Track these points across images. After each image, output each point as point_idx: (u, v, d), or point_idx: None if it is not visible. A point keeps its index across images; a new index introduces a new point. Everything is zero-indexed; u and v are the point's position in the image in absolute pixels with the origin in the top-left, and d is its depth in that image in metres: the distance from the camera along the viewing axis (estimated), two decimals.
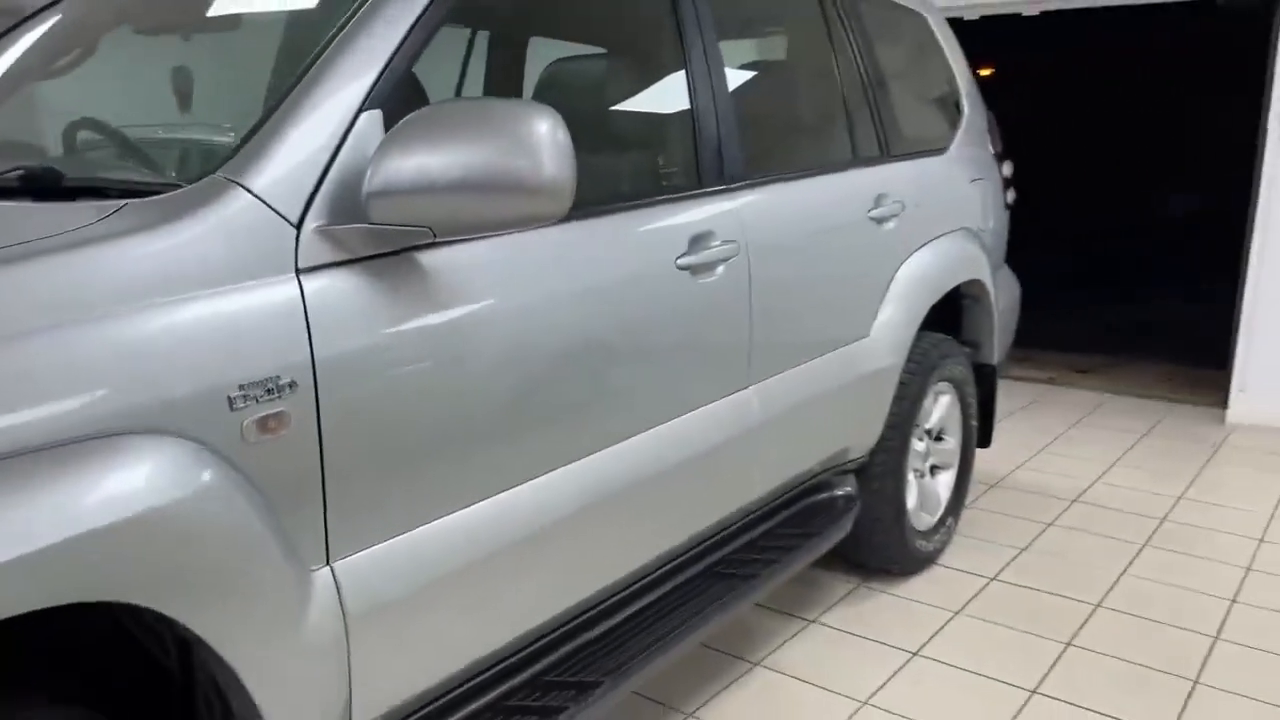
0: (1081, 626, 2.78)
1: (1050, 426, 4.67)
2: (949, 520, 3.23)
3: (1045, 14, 5.77)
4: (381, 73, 1.45)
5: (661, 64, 2.10)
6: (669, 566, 2.09)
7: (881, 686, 2.48)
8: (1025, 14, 5.81)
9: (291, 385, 1.27)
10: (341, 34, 1.46)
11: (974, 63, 3.55)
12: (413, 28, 1.52)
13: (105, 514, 1.07)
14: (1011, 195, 3.66)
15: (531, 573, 1.65)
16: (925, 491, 3.14)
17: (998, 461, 4.13)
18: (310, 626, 1.30)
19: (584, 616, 1.87)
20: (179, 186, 1.32)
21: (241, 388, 1.21)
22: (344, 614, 1.35)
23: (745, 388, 2.15)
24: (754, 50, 2.62)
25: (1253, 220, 4.64)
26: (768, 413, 2.22)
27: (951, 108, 3.35)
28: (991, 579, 3.09)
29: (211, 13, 2.14)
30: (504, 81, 2.43)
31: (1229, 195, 4.74)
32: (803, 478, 2.54)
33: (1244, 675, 2.53)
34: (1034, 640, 2.70)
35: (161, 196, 1.27)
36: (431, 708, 1.57)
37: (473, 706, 1.64)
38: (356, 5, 1.50)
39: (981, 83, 3.60)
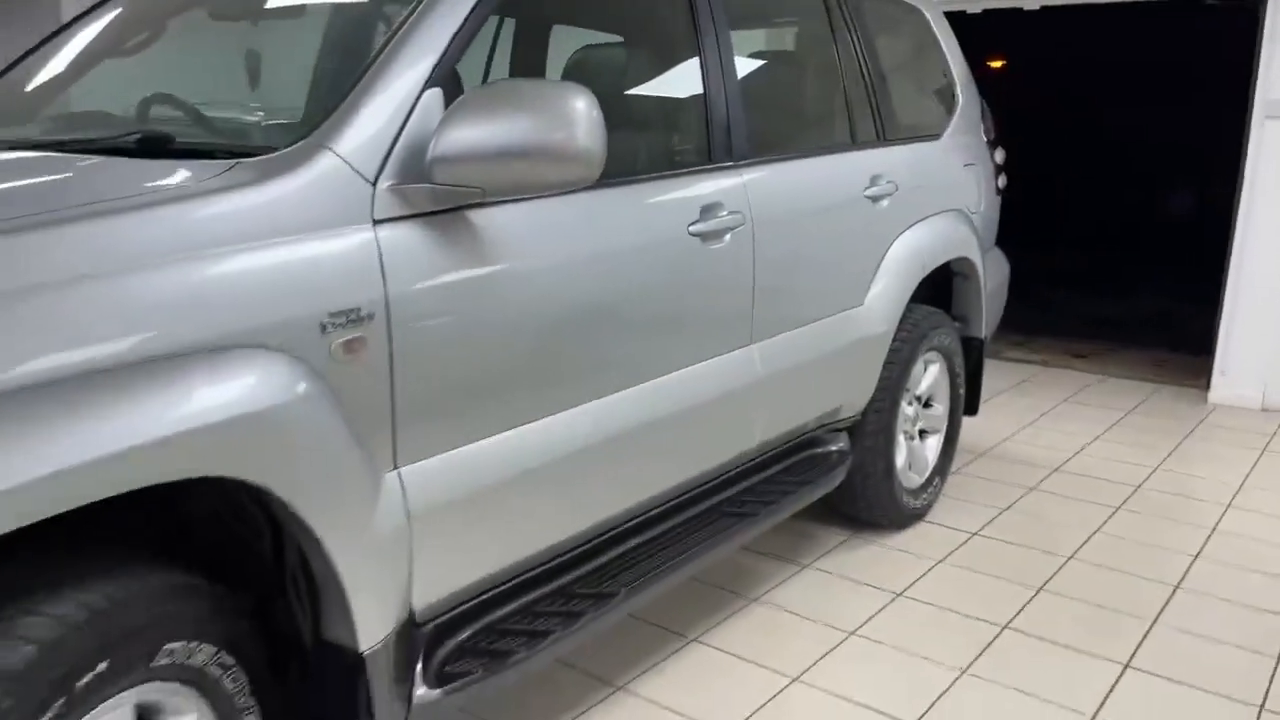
0: (1053, 575, 3.04)
1: (1039, 404, 4.92)
2: (936, 480, 3.49)
3: (1048, 10, 5.98)
4: (440, 58, 1.71)
5: (677, 51, 2.35)
6: (680, 499, 2.35)
7: (868, 620, 2.74)
8: (1026, 9, 6.02)
9: (369, 316, 1.52)
10: (406, 25, 1.71)
11: (984, 56, 3.78)
12: (465, 20, 1.77)
13: (228, 409, 1.32)
14: (1003, 180, 3.90)
15: (563, 491, 1.92)
16: (914, 453, 3.39)
17: (986, 433, 4.38)
18: (380, 518, 1.56)
19: (606, 536, 2.13)
20: (272, 150, 1.58)
21: (331, 315, 1.47)
22: (407, 511, 1.61)
23: (748, 345, 2.41)
24: (761, 39, 2.86)
25: (1236, 215, 4.89)
26: (768, 368, 2.47)
27: (947, 97, 3.59)
28: (974, 534, 3.34)
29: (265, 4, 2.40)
30: (530, 65, 2.68)
31: (1227, 194, 4.96)
32: (799, 431, 2.80)
33: (1199, 618, 2.78)
34: (1009, 585, 2.96)
35: (264, 157, 1.53)
36: (474, 603, 1.83)
37: (509, 607, 1.90)
38: (416, 2, 1.75)
39: (990, 75, 3.84)
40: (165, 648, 1.33)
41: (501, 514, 1.80)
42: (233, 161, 1.51)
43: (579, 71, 2.31)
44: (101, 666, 1.23)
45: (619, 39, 2.58)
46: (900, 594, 2.90)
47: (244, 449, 1.34)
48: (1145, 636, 2.68)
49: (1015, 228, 4.15)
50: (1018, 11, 6.11)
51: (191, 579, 1.40)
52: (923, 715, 2.30)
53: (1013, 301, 4.08)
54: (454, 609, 1.80)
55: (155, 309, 1.28)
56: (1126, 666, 2.53)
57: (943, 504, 3.57)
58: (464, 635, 1.81)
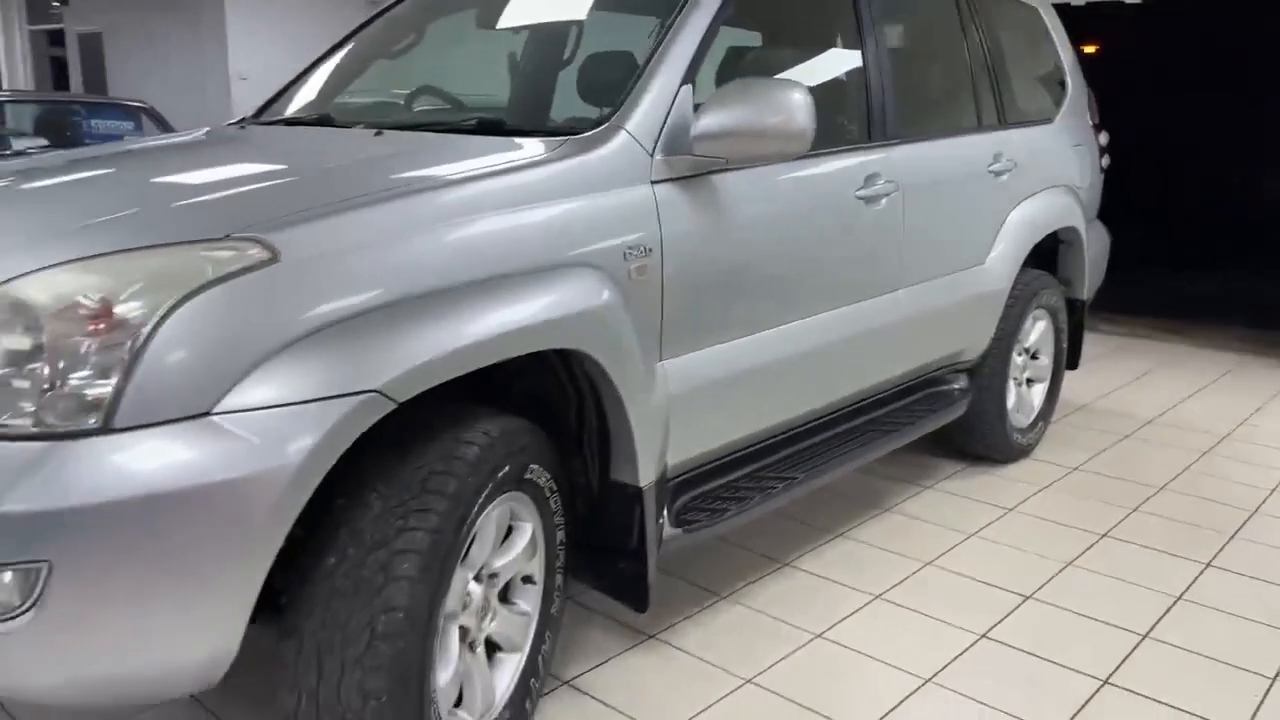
0: (1145, 500, 3.53)
1: (1132, 369, 5.35)
2: (1040, 423, 3.99)
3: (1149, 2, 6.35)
4: (690, 63, 2.30)
5: (846, 51, 2.91)
6: (845, 412, 2.94)
7: (985, 525, 3.28)
8: (1128, 1, 6.40)
9: (650, 250, 2.13)
10: (665, 40, 2.30)
11: (1085, 42, 4.24)
12: (704, 34, 2.36)
13: (565, 306, 1.93)
14: (1106, 160, 4.36)
15: (770, 391, 2.52)
16: (1022, 397, 3.90)
17: (1084, 392, 4.84)
18: (654, 393, 2.17)
19: (796, 431, 2.73)
20: (574, 131, 2.19)
21: (629, 247, 2.08)
22: (668, 392, 2.22)
23: (897, 290, 2.97)
24: (906, 39, 3.37)
25: None
26: (910, 310, 3.03)
27: (1057, 86, 4.08)
28: (1074, 468, 3.85)
29: (515, 20, 3.03)
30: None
31: None
32: (930, 367, 3.34)
33: (1270, 534, 3.26)
34: (1106, 507, 3.46)
35: (582, 136, 2.14)
36: (707, 467, 2.45)
37: (726, 478, 2.52)
38: (667, 24, 2.34)
39: (1092, 60, 4.29)
40: (530, 467, 1.96)
41: (728, 403, 2.40)
42: (562, 139, 2.13)
43: (777, 69, 2.88)
44: (505, 469, 1.86)
45: (798, 41, 3.14)
46: (1011, 509, 3.43)
47: (582, 331, 1.96)
48: (1223, 546, 3.17)
49: (1114, 208, 4.58)
50: (1120, 3, 6.50)
51: (536, 429, 2.03)
52: (1037, 590, 2.84)
53: (1108, 279, 4.53)
54: (690, 471, 2.42)
55: (534, 237, 1.91)
56: (1207, 565, 3.03)
57: (1046, 445, 4.06)
58: (696, 492, 2.43)
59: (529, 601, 2.09)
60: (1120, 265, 4.45)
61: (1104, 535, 3.23)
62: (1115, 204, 4.49)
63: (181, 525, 1.44)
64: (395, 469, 1.71)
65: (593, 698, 2.28)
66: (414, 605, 1.64)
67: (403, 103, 3.07)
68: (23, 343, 1.47)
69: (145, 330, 1.45)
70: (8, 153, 7.08)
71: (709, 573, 2.88)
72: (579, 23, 2.91)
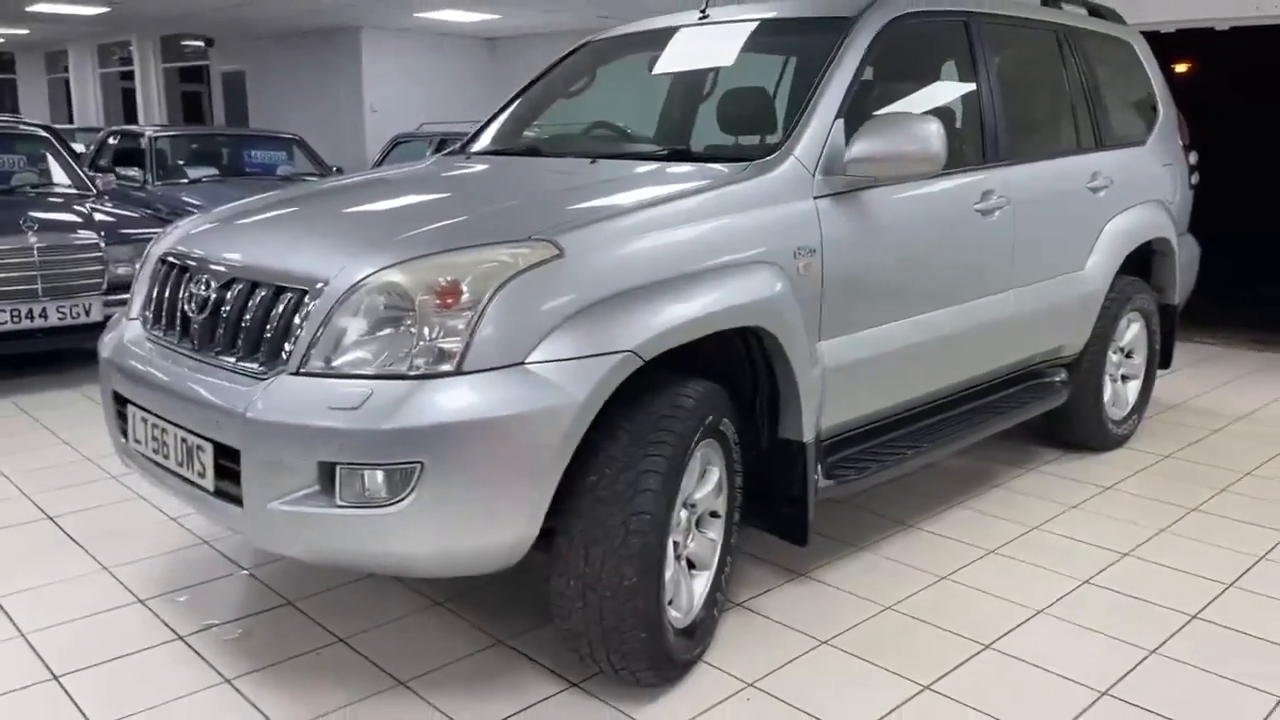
0: (1232, 483, 3.92)
1: (1221, 376, 5.68)
2: (1134, 416, 4.40)
3: (1238, 29, 6.66)
4: (842, 101, 2.84)
5: (964, 83, 3.43)
6: (964, 394, 3.43)
7: (1085, 500, 3.72)
8: (1218, 28, 6.73)
9: (813, 251, 2.67)
10: (822, 82, 2.85)
11: (1174, 62, 4.65)
12: (852, 78, 2.90)
13: (754, 293, 2.48)
14: (1195, 178, 4.76)
15: (908, 371, 3.05)
16: (1117, 392, 4.32)
17: (1175, 394, 5.21)
18: (815, 366, 2.70)
19: (922, 408, 3.23)
20: (751, 157, 2.75)
21: (798, 248, 2.63)
22: (824, 366, 2.75)
23: (1008, 290, 3.45)
24: (1014, 72, 3.85)
25: None
26: (1019, 308, 3.51)
27: (1150, 111, 4.51)
28: (1166, 456, 4.25)
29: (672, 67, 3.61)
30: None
31: None
32: (1034, 359, 3.81)
33: None
34: (1195, 487, 3.86)
35: (760, 161, 2.70)
36: (853, 432, 2.98)
37: (866, 444, 3.03)
38: (826, 65, 2.89)
39: (1185, 81, 4.69)
40: (723, 419, 2.51)
41: (870, 378, 2.93)
42: (746, 164, 2.70)
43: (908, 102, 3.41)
44: (709, 419, 2.41)
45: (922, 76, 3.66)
46: (1109, 487, 3.86)
47: (765, 313, 2.51)
48: None
49: (1209, 227, 4.93)
50: (1209, 30, 6.82)
51: (725, 392, 2.58)
52: (1133, 549, 3.27)
53: (1197, 294, 4.88)
54: (839, 435, 2.94)
55: (731, 239, 2.47)
56: None
57: (1140, 437, 4.46)
58: (844, 453, 2.95)
59: (715, 531, 2.63)
60: (1212, 281, 4.83)
61: (1193, 509, 3.64)
62: (1208, 222, 4.86)
63: (507, 439, 2.03)
64: (635, 413, 2.27)
65: (760, 615, 2.81)
66: (656, 510, 2.20)
67: (596, 134, 3.66)
68: (399, 313, 2.09)
69: (481, 305, 2.06)
70: (184, 181, 7.99)
71: (846, 529, 3.38)
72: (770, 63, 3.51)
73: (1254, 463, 4.16)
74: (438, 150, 8.57)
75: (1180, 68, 10.11)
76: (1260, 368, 5.90)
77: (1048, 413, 3.89)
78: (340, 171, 8.70)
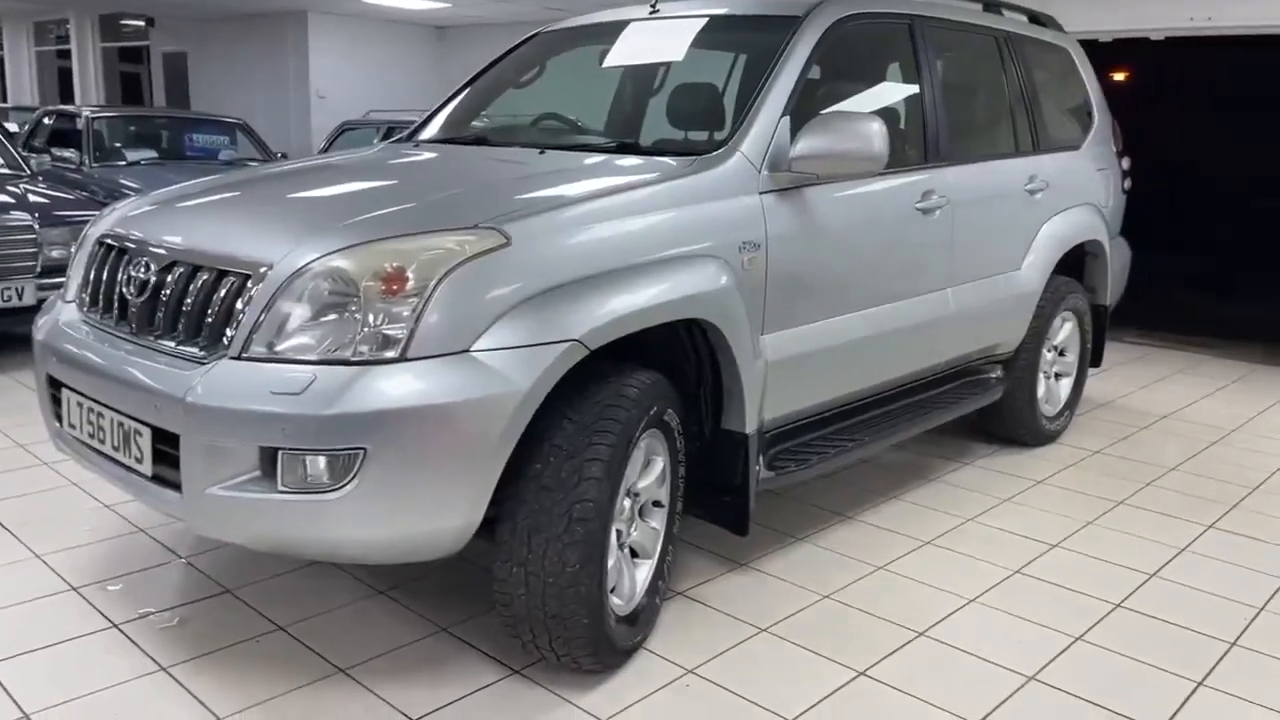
0: (1158, 477, 4.06)
1: (1151, 374, 5.87)
2: (1066, 413, 4.53)
3: (1171, 40, 6.87)
4: (787, 99, 2.89)
5: (906, 86, 3.50)
6: (899, 390, 3.50)
7: (1019, 493, 3.83)
8: (1152, 39, 6.94)
9: (758, 245, 2.71)
10: (768, 82, 2.89)
11: (1112, 71, 4.80)
12: (797, 79, 2.94)
13: (700, 285, 2.51)
14: (1128, 183, 4.91)
15: (845, 365, 3.10)
16: (1051, 389, 4.45)
17: (1107, 391, 5.37)
18: (758, 360, 2.75)
19: (861, 402, 3.30)
20: (697, 151, 2.78)
21: (744, 242, 2.66)
22: (766, 360, 2.80)
23: (946, 288, 3.54)
24: (957, 74, 3.94)
25: None
26: (957, 305, 3.59)
27: (1085, 116, 4.64)
28: (1096, 451, 4.38)
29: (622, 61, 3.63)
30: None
31: None
32: (971, 356, 3.90)
33: (1268, 507, 3.78)
34: (1123, 481, 4.00)
35: (707, 156, 2.73)
36: (793, 425, 3.03)
37: (806, 436, 3.09)
38: (774, 62, 2.94)
39: (1119, 89, 4.84)
40: (667, 410, 2.54)
41: (811, 372, 2.98)
42: (693, 158, 2.73)
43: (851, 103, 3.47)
44: (653, 409, 2.44)
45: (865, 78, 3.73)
46: (1040, 481, 3.98)
47: (710, 306, 2.54)
48: (1225, 514, 3.69)
49: (1140, 232, 5.09)
50: (1144, 40, 7.02)
51: (669, 383, 2.61)
52: (1063, 540, 3.38)
53: (1131, 300, 5.03)
54: (780, 427, 2.99)
55: (675, 233, 2.50)
56: (1209, 527, 3.56)
57: (1071, 433, 4.60)
58: (785, 445, 3.00)
59: (658, 521, 2.66)
60: (1141, 284, 4.99)
61: (1121, 502, 3.77)
62: (1138, 227, 5.02)
63: (452, 426, 2.04)
64: (580, 402, 2.29)
65: (701, 603, 2.85)
66: (599, 498, 2.22)
67: (545, 126, 3.65)
68: (343, 299, 2.08)
69: (426, 292, 2.06)
70: (122, 164, 7.80)
71: (786, 520, 3.44)
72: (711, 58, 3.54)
73: (1178, 458, 4.31)
74: (385, 138, 8.49)
75: (1118, 76, 10.40)
76: (1187, 365, 6.10)
77: (983, 408, 3.99)
78: (285, 157, 8.57)
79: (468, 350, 2.08)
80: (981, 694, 2.44)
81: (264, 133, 9.22)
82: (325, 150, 9.28)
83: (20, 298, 5.05)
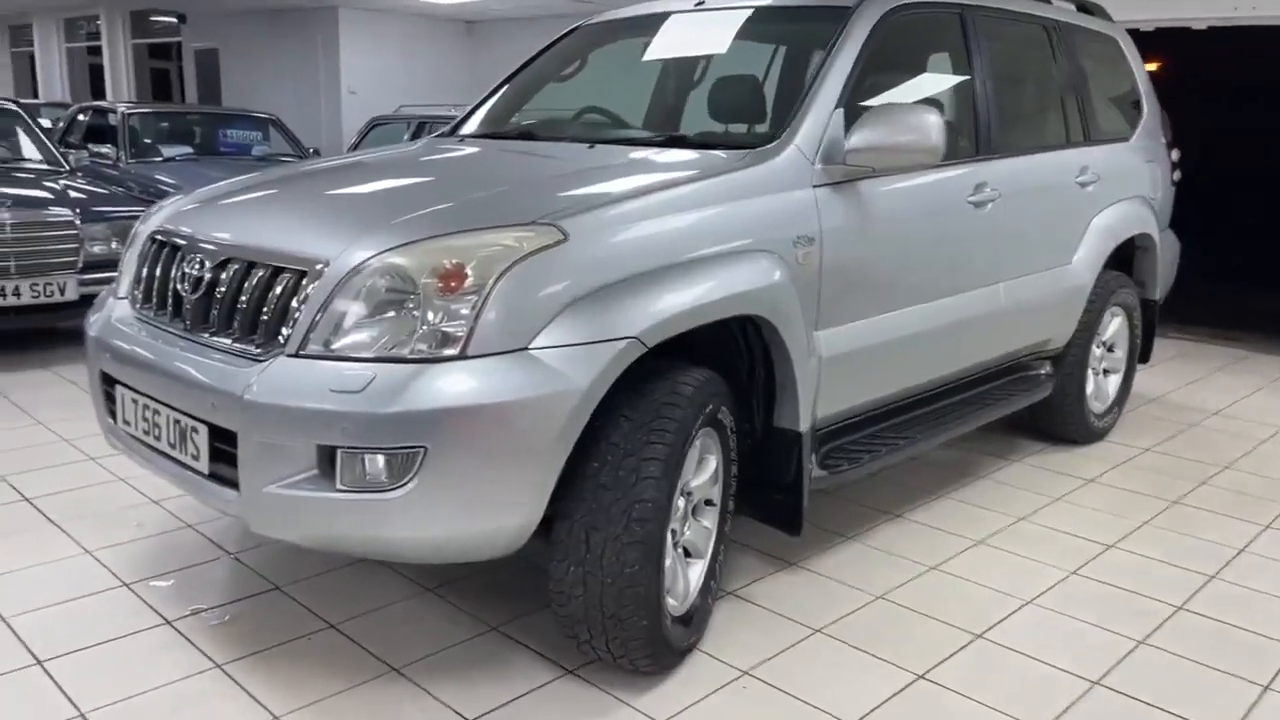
0: (1212, 476, 3.98)
1: (1197, 369, 5.76)
2: (1115, 409, 4.45)
3: (1214, 29, 6.73)
4: (841, 91, 2.83)
5: (957, 78, 3.43)
6: (952, 386, 3.44)
7: (1069, 492, 3.76)
8: (1194, 28, 6.80)
9: (813, 239, 2.66)
10: (821, 74, 2.84)
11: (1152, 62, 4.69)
12: (850, 71, 2.89)
13: (756, 281, 2.47)
14: (1177, 175, 4.81)
15: (900, 361, 3.05)
16: (1099, 385, 4.36)
17: (1153, 387, 5.27)
18: (812, 356, 2.70)
19: (912, 400, 3.24)
20: (749, 146, 2.74)
21: (798, 236, 2.62)
22: (820, 356, 2.75)
23: (998, 283, 3.47)
24: (1007, 64, 3.86)
25: None
26: (1008, 300, 3.53)
27: (1133, 107, 4.54)
28: (1145, 449, 4.30)
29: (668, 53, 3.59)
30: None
31: None
32: (1021, 352, 3.84)
33: None
34: (1175, 480, 3.92)
35: (760, 149, 2.68)
36: (846, 423, 2.98)
37: (856, 434, 3.04)
38: (827, 54, 2.88)
39: (1164, 80, 4.73)
40: (721, 408, 2.50)
41: (863, 369, 2.93)
42: (745, 151, 2.68)
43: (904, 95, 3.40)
44: (709, 407, 2.40)
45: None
46: (1092, 480, 3.90)
47: (764, 301, 2.50)
48: (1279, 517, 3.62)
49: (1185, 224, 4.99)
50: (1185, 29, 6.89)
51: (723, 380, 2.57)
52: (1118, 541, 3.31)
53: (1176, 293, 4.93)
54: (832, 425, 2.94)
55: (730, 228, 2.46)
56: (1266, 528, 3.48)
57: (1119, 430, 4.51)
58: (836, 442, 2.96)
59: (710, 520, 2.62)
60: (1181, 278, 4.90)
61: (1175, 502, 3.69)
62: (1186, 221, 4.92)
63: (512, 425, 2.01)
64: (637, 400, 2.26)
65: (751, 603, 2.81)
66: (658, 498, 2.19)
67: (589, 119, 3.61)
68: (401, 296, 2.05)
69: (486, 289, 2.03)
70: (158, 160, 7.84)
71: (834, 518, 3.39)
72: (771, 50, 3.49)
73: (1231, 456, 4.22)
74: (415, 134, 8.48)
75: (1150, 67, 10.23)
76: (1232, 362, 5.99)
77: (1031, 405, 3.92)
78: (317, 153, 8.59)
79: (526, 348, 2.05)
80: (1045, 699, 2.39)
81: (295, 128, 9.24)
82: (356, 146, 9.30)
83: (62, 293, 5.08)
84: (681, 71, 3.73)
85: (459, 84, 12.37)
